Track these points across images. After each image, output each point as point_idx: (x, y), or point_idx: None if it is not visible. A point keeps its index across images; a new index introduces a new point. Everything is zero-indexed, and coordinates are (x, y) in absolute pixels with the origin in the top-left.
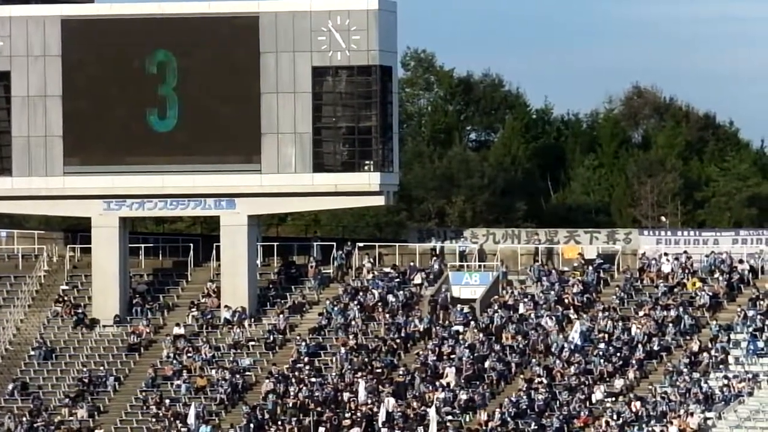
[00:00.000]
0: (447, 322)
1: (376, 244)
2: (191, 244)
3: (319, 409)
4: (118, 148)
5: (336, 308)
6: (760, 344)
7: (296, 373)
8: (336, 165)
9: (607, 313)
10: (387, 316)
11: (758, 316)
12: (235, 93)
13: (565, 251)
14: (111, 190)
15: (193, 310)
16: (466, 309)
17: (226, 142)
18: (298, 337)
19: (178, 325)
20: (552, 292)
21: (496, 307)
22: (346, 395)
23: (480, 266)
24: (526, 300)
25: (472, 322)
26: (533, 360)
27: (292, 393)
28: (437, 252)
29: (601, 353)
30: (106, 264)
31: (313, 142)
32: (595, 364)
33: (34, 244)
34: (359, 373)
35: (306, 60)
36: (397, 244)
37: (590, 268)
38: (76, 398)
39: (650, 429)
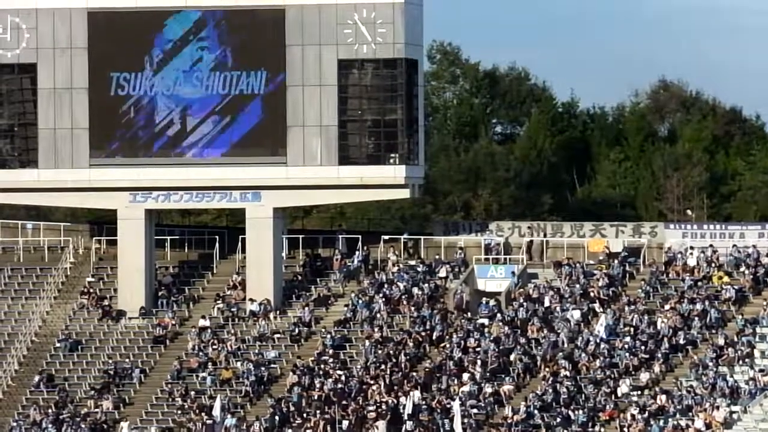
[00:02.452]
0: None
1: (402, 237)
2: (217, 237)
3: (344, 402)
4: (143, 141)
5: (361, 301)
6: None
7: (321, 366)
8: (361, 158)
9: (632, 307)
10: (412, 309)
11: None
12: (261, 85)
13: (591, 245)
14: (137, 183)
15: (218, 302)
16: (492, 302)
17: (252, 135)
18: (323, 330)
19: (203, 317)
20: (577, 286)
21: (521, 300)
22: (371, 388)
23: (505, 259)
24: (551, 293)
25: (498, 315)
26: (559, 353)
27: (317, 385)
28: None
29: (626, 347)
30: (132, 256)
31: (338, 135)
32: (620, 357)
33: (60, 236)
34: (384, 366)
35: (332, 53)
36: (422, 237)
37: (616, 261)
38: (102, 390)
39: (676, 422)
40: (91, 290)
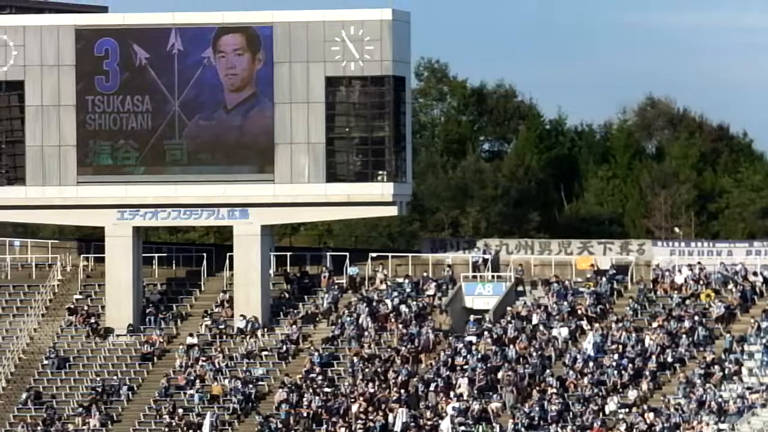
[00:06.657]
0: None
1: (389, 254)
2: (204, 254)
3: (332, 419)
4: (131, 158)
5: (349, 318)
6: None
7: (309, 383)
8: (349, 175)
9: (620, 324)
10: (400, 326)
11: None
12: (248, 102)
13: (579, 262)
14: (124, 200)
15: (206, 319)
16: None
17: (240, 152)
18: (310, 347)
19: (191, 334)
20: (565, 303)
21: (509, 318)
22: (359, 405)
23: (493, 277)
24: (539, 310)
25: (486, 333)
26: (547, 371)
27: (305, 403)
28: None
29: (614, 364)
30: (120, 273)
31: (326, 152)
32: (608, 375)
33: (47, 254)
34: (371, 384)
35: (319, 70)
36: (410, 255)
37: (603, 278)
38: (90, 408)
39: None
40: (79, 307)
